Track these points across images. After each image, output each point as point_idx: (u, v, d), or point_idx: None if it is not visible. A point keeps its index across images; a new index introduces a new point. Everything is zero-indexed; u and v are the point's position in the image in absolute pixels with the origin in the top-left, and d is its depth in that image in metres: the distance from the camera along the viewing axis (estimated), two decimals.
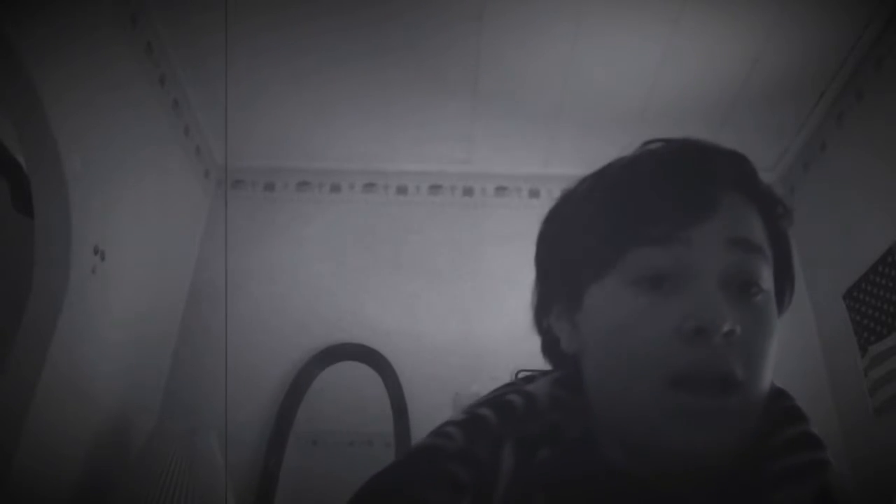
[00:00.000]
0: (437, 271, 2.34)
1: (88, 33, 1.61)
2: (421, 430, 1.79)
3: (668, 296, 0.49)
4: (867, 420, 1.87)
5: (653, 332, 0.49)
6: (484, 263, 2.32)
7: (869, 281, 1.87)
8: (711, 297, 0.48)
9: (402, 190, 2.51)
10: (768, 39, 1.91)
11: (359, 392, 2.12)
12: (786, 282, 0.56)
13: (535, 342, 0.63)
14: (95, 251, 1.68)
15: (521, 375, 0.64)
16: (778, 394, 0.55)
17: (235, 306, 2.24)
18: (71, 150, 1.55)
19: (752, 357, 0.49)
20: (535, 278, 0.62)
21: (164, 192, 2.09)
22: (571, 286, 0.56)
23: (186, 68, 2.08)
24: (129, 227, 1.88)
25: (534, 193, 2.46)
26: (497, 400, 0.56)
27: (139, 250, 1.94)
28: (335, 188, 2.51)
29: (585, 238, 0.55)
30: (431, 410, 1.96)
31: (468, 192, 2.51)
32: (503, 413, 0.54)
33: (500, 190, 2.50)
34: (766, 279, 0.52)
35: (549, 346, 0.61)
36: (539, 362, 0.63)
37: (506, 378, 0.65)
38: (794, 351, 2.13)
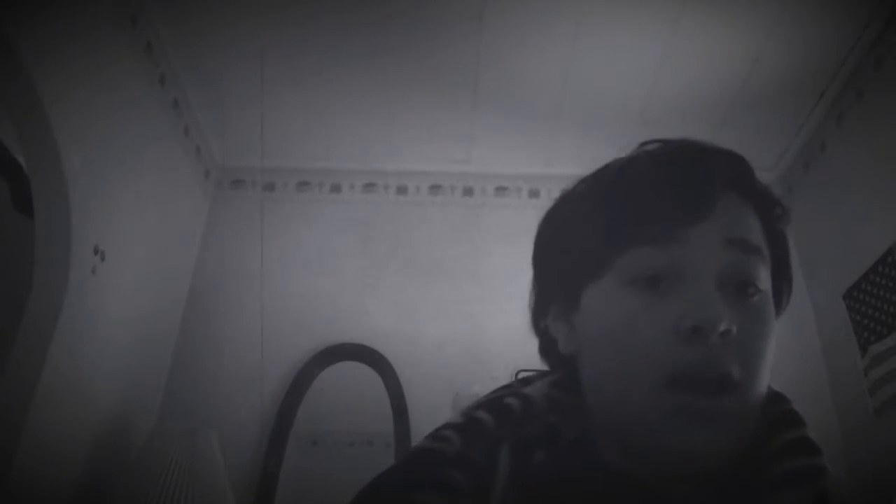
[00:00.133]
0: (438, 271, 2.34)
1: (88, 33, 1.61)
2: (421, 430, 1.79)
3: (665, 296, 0.49)
4: (867, 420, 1.87)
5: (649, 332, 0.49)
6: (484, 263, 2.33)
7: (869, 281, 1.87)
8: (708, 296, 0.48)
9: (402, 190, 2.51)
10: (768, 39, 1.91)
11: (359, 392, 2.12)
12: (784, 282, 0.56)
13: (535, 343, 0.63)
14: (95, 251, 1.67)
15: (521, 376, 0.64)
16: (775, 397, 0.55)
17: (236, 306, 2.24)
18: (71, 150, 1.55)
19: (749, 357, 0.49)
20: (533, 279, 0.62)
21: (164, 193, 2.09)
22: (569, 286, 0.56)
23: (186, 68, 2.08)
24: (129, 227, 1.88)
25: (534, 193, 2.46)
26: (494, 403, 0.55)
27: (139, 250, 1.94)
28: (335, 188, 2.51)
29: (583, 238, 0.55)
30: (431, 410, 1.96)
31: (468, 192, 2.51)
32: (500, 416, 0.54)
33: (500, 190, 2.50)
34: (764, 280, 0.52)
35: (547, 348, 0.61)
36: (539, 363, 0.63)
37: (506, 378, 0.65)
38: (794, 351, 2.13)
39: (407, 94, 2.18)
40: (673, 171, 0.53)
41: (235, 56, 2.00)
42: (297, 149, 2.43)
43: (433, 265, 2.35)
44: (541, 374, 0.61)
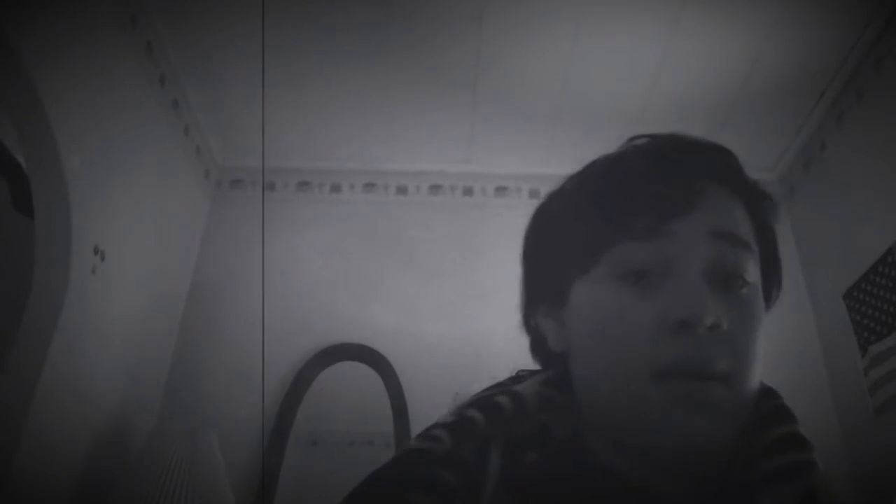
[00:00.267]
0: (438, 271, 2.34)
1: (88, 33, 1.61)
2: (421, 429, 1.79)
3: (653, 289, 0.49)
4: (867, 420, 1.87)
5: (637, 327, 0.49)
6: (484, 263, 2.32)
7: (869, 281, 1.87)
8: (694, 289, 0.48)
9: (402, 190, 2.51)
10: (768, 39, 1.91)
11: (359, 392, 2.12)
12: (772, 276, 0.56)
13: None
14: (95, 251, 1.68)
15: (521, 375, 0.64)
16: (766, 392, 0.55)
17: (235, 306, 2.24)
18: (71, 150, 1.55)
19: (738, 350, 0.49)
20: (522, 277, 0.62)
21: (164, 192, 2.09)
22: (557, 282, 0.56)
23: (186, 68, 2.08)
24: (129, 227, 1.88)
25: (534, 193, 2.46)
26: (485, 401, 0.55)
27: (139, 250, 1.94)
28: (335, 188, 2.51)
29: (571, 233, 0.55)
30: (431, 410, 1.95)
31: (468, 192, 2.51)
32: (491, 414, 0.53)
33: (500, 190, 2.50)
34: (752, 273, 0.52)
35: (537, 346, 0.60)
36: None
37: (506, 378, 0.64)
38: (794, 351, 2.13)
39: (407, 94, 2.18)
40: (660, 166, 0.53)
41: (235, 56, 2.00)
42: (297, 149, 2.43)
43: (433, 265, 2.35)
44: (532, 373, 0.61)
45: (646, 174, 0.52)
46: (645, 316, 0.49)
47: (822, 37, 1.91)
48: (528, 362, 0.63)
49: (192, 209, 2.34)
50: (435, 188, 2.51)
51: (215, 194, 2.48)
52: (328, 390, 2.13)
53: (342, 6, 1.86)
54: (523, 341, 0.64)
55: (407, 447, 0.53)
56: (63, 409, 1.55)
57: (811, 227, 2.26)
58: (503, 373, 0.62)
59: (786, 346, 2.14)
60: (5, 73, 1.39)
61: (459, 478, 0.49)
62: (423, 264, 2.35)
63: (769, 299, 0.56)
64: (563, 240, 0.56)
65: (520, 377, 0.60)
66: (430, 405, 2.07)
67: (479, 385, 0.60)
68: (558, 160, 2.40)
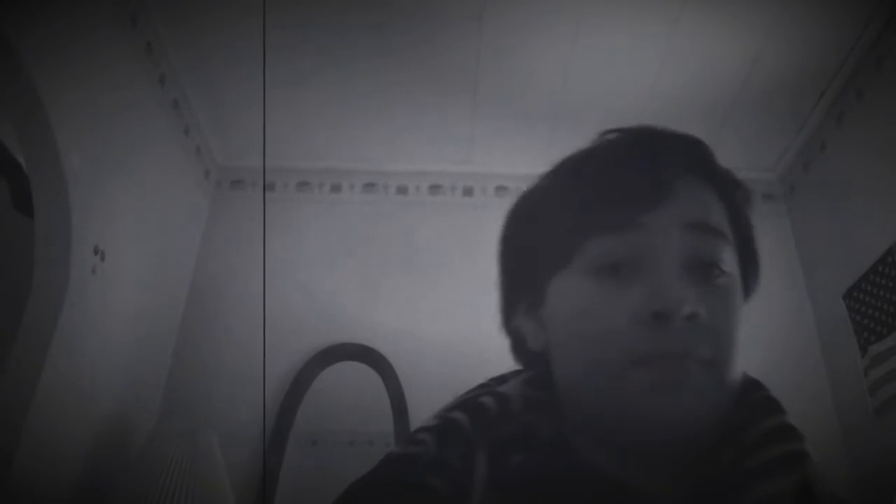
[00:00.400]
0: (437, 271, 2.34)
1: (88, 33, 1.61)
2: None
3: (628, 282, 0.49)
4: (867, 420, 1.87)
5: (614, 320, 0.48)
6: (484, 263, 2.32)
7: (869, 281, 1.87)
8: (670, 280, 0.48)
9: (402, 190, 2.51)
10: (768, 39, 1.91)
11: (359, 392, 2.12)
12: (750, 265, 0.56)
13: None
14: (95, 251, 1.68)
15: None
16: (752, 384, 0.54)
17: (235, 306, 2.24)
18: (71, 150, 1.55)
19: (718, 339, 0.48)
20: (499, 278, 0.61)
21: (164, 192, 2.09)
22: (534, 280, 0.55)
23: (186, 68, 2.08)
24: (129, 227, 1.88)
25: None
26: (469, 403, 0.55)
27: (139, 250, 1.94)
28: (335, 188, 2.51)
29: (545, 230, 0.55)
30: (431, 410, 1.96)
31: (468, 192, 2.51)
32: (476, 416, 0.53)
33: (500, 190, 2.50)
34: (729, 262, 0.51)
35: (518, 347, 0.60)
36: None
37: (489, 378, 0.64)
38: (794, 351, 2.13)
39: (407, 95, 2.18)
40: (631, 158, 0.53)
41: (235, 56, 2.00)
42: (297, 149, 2.43)
43: (433, 265, 2.35)
44: (516, 372, 0.60)
45: (617, 167, 0.52)
46: (621, 309, 0.48)
47: (822, 37, 1.91)
48: None
49: (192, 209, 2.34)
50: (435, 188, 2.51)
51: (215, 194, 2.48)
52: (328, 390, 2.13)
53: (342, 7, 1.86)
54: None
55: (393, 452, 0.53)
56: (63, 409, 1.55)
57: (811, 227, 2.26)
58: (503, 372, 0.62)
59: (786, 346, 2.14)
60: (5, 73, 1.39)
61: (446, 482, 0.48)
62: (423, 264, 2.35)
63: (748, 289, 0.56)
64: (538, 237, 0.56)
65: (504, 378, 0.60)
66: (430, 405, 2.06)
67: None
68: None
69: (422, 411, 2.03)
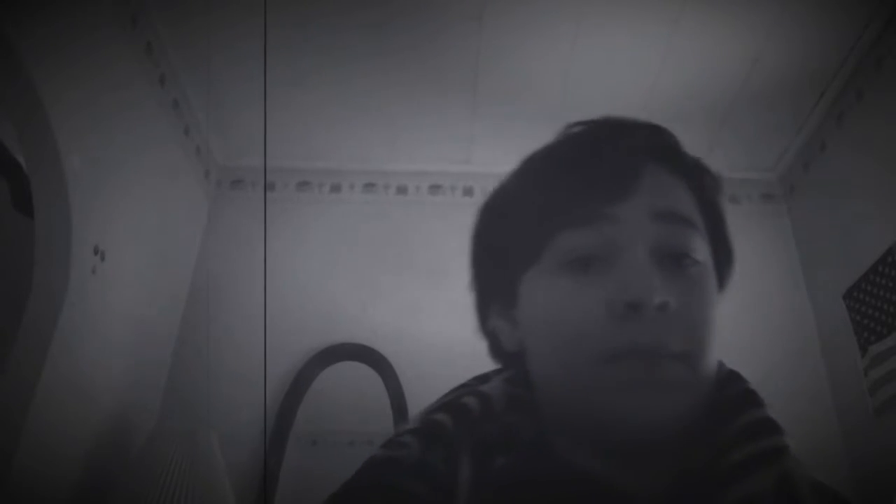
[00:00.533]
0: (437, 271, 2.33)
1: (88, 33, 1.61)
2: None
3: (599, 275, 0.49)
4: (867, 420, 1.87)
5: (585, 314, 0.48)
6: None
7: (869, 281, 1.87)
8: (640, 271, 0.47)
9: (402, 190, 2.51)
10: (768, 39, 1.91)
11: (359, 392, 2.12)
12: (722, 253, 0.55)
13: None
14: (95, 251, 1.67)
15: None
16: (731, 376, 0.54)
17: (235, 306, 2.24)
18: (71, 150, 1.55)
19: (691, 330, 0.48)
20: (471, 279, 0.61)
21: (164, 192, 2.09)
22: (505, 279, 0.55)
23: (186, 68, 2.08)
24: (129, 227, 1.88)
25: None
26: (452, 404, 0.54)
27: (139, 250, 1.94)
28: (335, 188, 2.51)
29: (513, 227, 0.54)
30: None
31: (468, 192, 2.51)
32: (459, 417, 0.52)
33: None
34: (700, 251, 0.51)
35: (494, 348, 0.60)
36: None
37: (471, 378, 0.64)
38: (794, 351, 2.13)
39: (407, 95, 2.18)
40: (594, 150, 0.52)
41: (236, 56, 2.00)
42: (297, 149, 2.43)
43: (433, 265, 2.34)
44: (498, 371, 0.60)
45: (582, 160, 0.52)
46: (593, 302, 0.48)
47: (822, 37, 1.91)
48: None
49: (192, 209, 2.34)
50: (435, 188, 2.51)
51: (215, 194, 2.48)
52: (328, 390, 2.13)
53: (343, 7, 1.86)
54: None
55: (376, 456, 0.52)
56: (63, 409, 1.54)
57: (811, 227, 2.26)
58: (486, 371, 0.62)
59: (786, 346, 2.14)
60: (5, 73, 1.39)
61: (429, 487, 0.47)
62: (423, 264, 2.35)
63: (722, 277, 0.55)
64: (507, 235, 0.55)
65: (486, 376, 0.59)
66: None
67: None
68: None
69: None
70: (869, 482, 1.82)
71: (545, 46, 1.98)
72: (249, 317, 2.20)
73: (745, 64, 2.00)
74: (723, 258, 0.55)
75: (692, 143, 0.58)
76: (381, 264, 2.35)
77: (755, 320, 2.12)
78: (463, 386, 0.59)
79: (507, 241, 0.55)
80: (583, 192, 0.50)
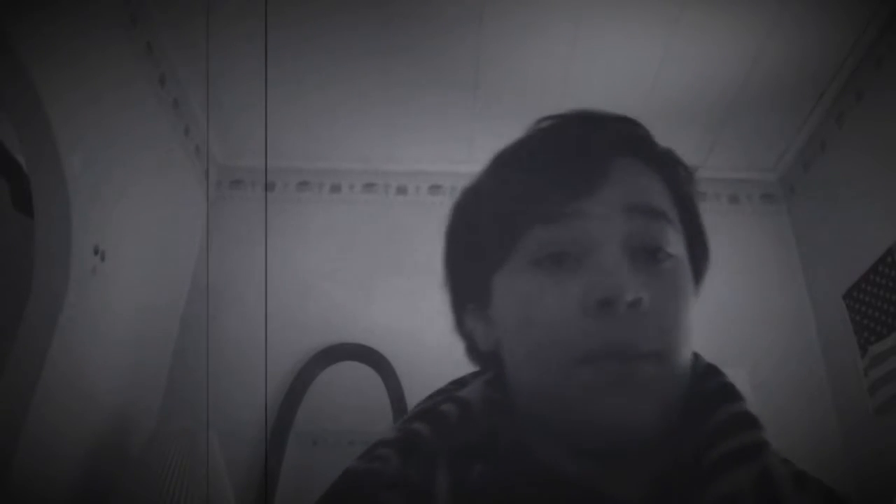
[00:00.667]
0: (437, 271, 2.31)
1: (88, 33, 1.61)
2: None
3: (571, 272, 0.47)
4: (867, 420, 1.87)
5: (558, 312, 0.47)
6: None
7: (869, 281, 1.87)
8: (612, 267, 0.46)
9: (402, 190, 2.51)
10: (768, 39, 1.91)
11: (359, 392, 2.12)
12: (698, 247, 0.54)
13: None
14: (95, 251, 1.67)
15: None
16: (709, 370, 0.53)
17: (236, 306, 2.24)
18: (71, 150, 1.55)
19: (665, 326, 0.47)
20: (445, 280, 0.60)
21: (164, 192, 2.09)
22: (477, 278, 0.54)
23: (186, 68, 2.08)
24: (129, 227, 1.88)
25: None
26: (430, 412, 0.53)
27: (139, 250, 1.94)
28: (335, 188, 2.51)
29: (483, 225, 0.53)
30: None
31: None
32: (437, 426, 0.51)
33: None
34: (675, 244, 0.50)
35: (471, 349, 0.58)
36: None
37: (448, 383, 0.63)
38: (794, 351, 2.13)
39: (407, 95, 2.18)
40: (563, 144, 0.51)
41: (235, 56, 2.00)
42: (297, 149, 2.43)
43: (433, 265, 2.33)
44: (474, 374, 0.59)
45: (551, 155, 0.51)
46: (564, 299, 0.47)
47: (822, 37, 1.91)
48: None
49: (192, 209, 2.34)
50: (435, 188, 2.51)
51: (215, 194, 2.48)
52: (328, 390, 2.13)
53: (343, 7, 1.86)
54: None
55: (352, 468, 0.51)
56: (63, 409, 1.54)
57: (811, 227, 2.25)
58: (463, 375, 0.61)
59: (786, 346, 2.14)
60: (5, 73, 1.39)
61: (407, 500, 0.47)
62: (424, 264, 2.34)
63: (698, 271, 0.54)
64: (477, 233, 0.54)
65: (464, 381, 0.58)
66: None
67: None
68: None
69: None
70: (869, 482, 1.82)
71: (545, 46, 1.98)
72: (249, 317, 2.20)
73: (745, 64, 2.00)
74: (698, 252, 0.54)
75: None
76: (382, 264, 2.35)
77: (755, 320, 2.12)
78: (440, 392, 0.58)
79: (479, 239, 0.54)
80: (553, 187, 0.49)
